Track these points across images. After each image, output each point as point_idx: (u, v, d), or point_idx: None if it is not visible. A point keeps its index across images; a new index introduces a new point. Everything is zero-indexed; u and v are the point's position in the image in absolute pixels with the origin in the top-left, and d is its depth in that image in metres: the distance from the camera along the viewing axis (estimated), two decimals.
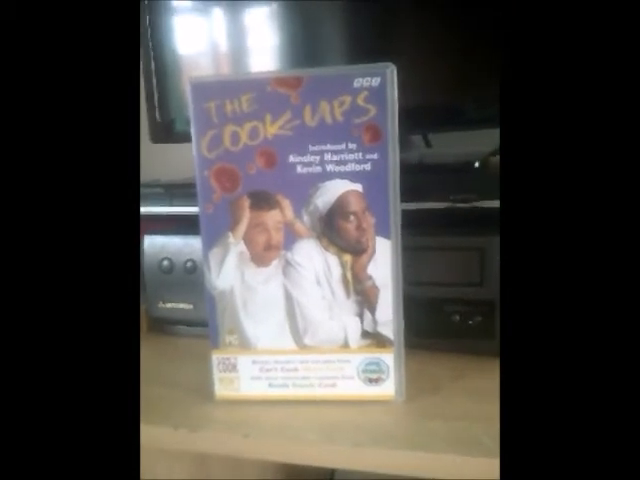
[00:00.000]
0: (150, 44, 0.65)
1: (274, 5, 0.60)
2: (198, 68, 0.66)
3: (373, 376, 0.40)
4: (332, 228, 0.38)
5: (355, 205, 0.38)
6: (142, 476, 0.33)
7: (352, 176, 0.37)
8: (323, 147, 0.37)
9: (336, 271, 0.39)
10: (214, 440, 0.38)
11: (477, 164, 0.53)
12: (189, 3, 0.65)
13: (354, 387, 0.40)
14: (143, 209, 0.51)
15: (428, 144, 0.70)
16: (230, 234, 0.39)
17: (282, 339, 0.40)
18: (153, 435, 0.39)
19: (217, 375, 0.41)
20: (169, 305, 0.54)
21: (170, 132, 0.67)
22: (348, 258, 0.39)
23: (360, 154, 0.37)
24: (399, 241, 0.38)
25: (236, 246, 0.39)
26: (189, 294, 0.53)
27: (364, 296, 0.39)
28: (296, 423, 0.38)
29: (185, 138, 0.40)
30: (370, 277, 0.39)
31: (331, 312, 0.39)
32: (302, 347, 0.40)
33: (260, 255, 0.39)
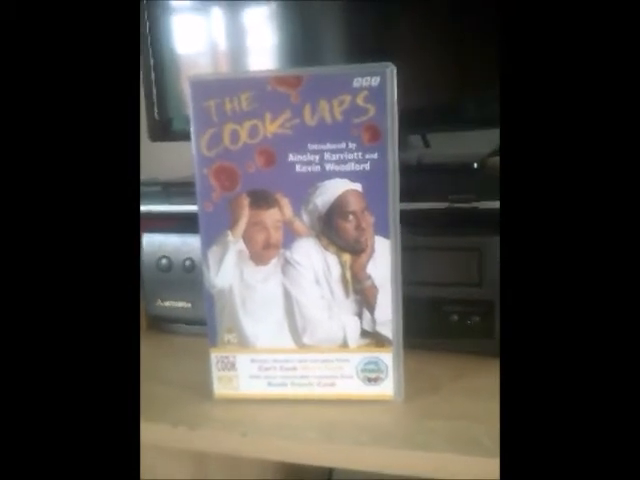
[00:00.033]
0: (149, 43, 0.65)
1: (273, 5, 0.60)
2: (197, 67, 0.66)
3: (372, 375, 0.40)
4: (331, 227, 0.38)
5: (354, 204, 0.38)
6: (142, 475, 0.33)
7: (351, 176, 0.37)
8: (322, 146, 0.37)
9: (335, 270, 0.39)
10: (213, 438, 0.38)
11: (476, 164, 0.53)
12: (188, 2, 0.65)
13: (353, 386, 0.40)
14: (141, 207, 0.51)
15: (427, 144, 0.71)
16: (229, 232, 0.39)
17: (281, 338, 0.40)
18: (152, 433, 0.39)
19: (216, 373, 0.41)
20: (167, 303, 0.54)
21: (168, 130, 0.67)
22: (347, 257, 0.39)
23: (359, 154, 0.37)
24: (398, 241, 0.38)
25: (235, 244, 0.39)
26: (188, 292, 0.53)
27: (363, 295, 0.39)
28: (295, 422, 0.38)
29: (183, 136, 0.40)
30: (369, 277, 0.39)
31: (330, 311, 0.39)
32: (301, 346, 0.40)
33: (259, 254, 0.39)
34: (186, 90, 0.38)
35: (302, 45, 0.60)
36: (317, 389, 0.40)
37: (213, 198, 0.39)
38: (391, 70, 0.36)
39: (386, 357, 0.39)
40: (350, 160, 0.37)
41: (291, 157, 0.38)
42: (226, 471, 0.63)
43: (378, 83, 0.36)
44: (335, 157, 0.37)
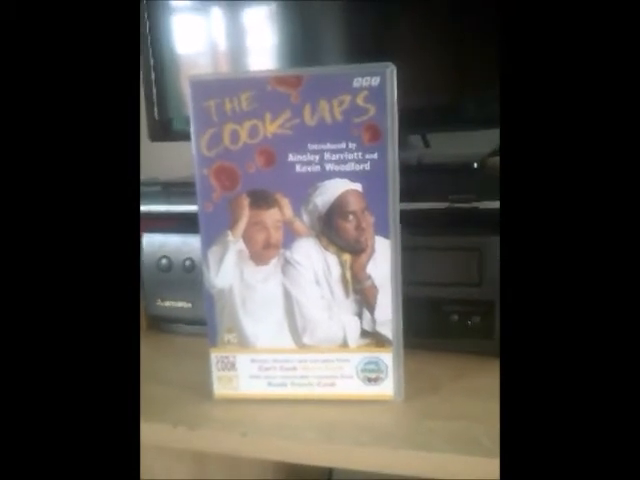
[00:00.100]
0: (149, 43, 0.65)
1: (273, 5, 0.60)
2: (197, 67, 0.66)
3: (372, 375, 0.40)
4: (331, 227, 0.38)
5: (354, 204, 0.38)
6: (141, 475, 0.33)
7: (351, 175, 0.37)
8: (322, 146, 0.37)
9: (335, 270, 0.39)
10: (213, 438, 0.38)
11: (476, 164, 0.53)
12: (188, 2, 0.65)
13: (353, 386, 0.40)
14: (141, 207, 0.51)
15: (427, 144, 0.71)
16: (229, 232, 0.39)
17: (281, 338, 0.40)
18: (152, 433, 0.39)
19: (216, 373, 0.41)
20: (167, 303, 0.54)
21: (168, 130, 0.67)
22: (347, 257, 0.39)
23: (359, 154, 0.37)
24: (398, 241, 0.38)
25: (235, 244, 0.39)
26: (188, 292, 0.53)
27: (363, 295, 0.39)
28: (294, 422, 0.38)
29: (183, 136, 0.40)
30: (369, 276, 0.39)
31: (330, 311, 0.39)
32: (301, 346, 0.40)
33: (259, 253, 0.39)
34: (186, 90, 0.38)
35: (302, 45, 0.60)
36: (317, 389, 0.40)
37: (213, 198, 0.39)
38: (391, 70, 0.36)
39: (386, 357, 0.39)
40: (350, 160, 0.37)
41: (291, 157, 0.38)
42: (226, 471, 0.63)
43: (378, 83, 0.36)
44: (335, 157, 0.37)
